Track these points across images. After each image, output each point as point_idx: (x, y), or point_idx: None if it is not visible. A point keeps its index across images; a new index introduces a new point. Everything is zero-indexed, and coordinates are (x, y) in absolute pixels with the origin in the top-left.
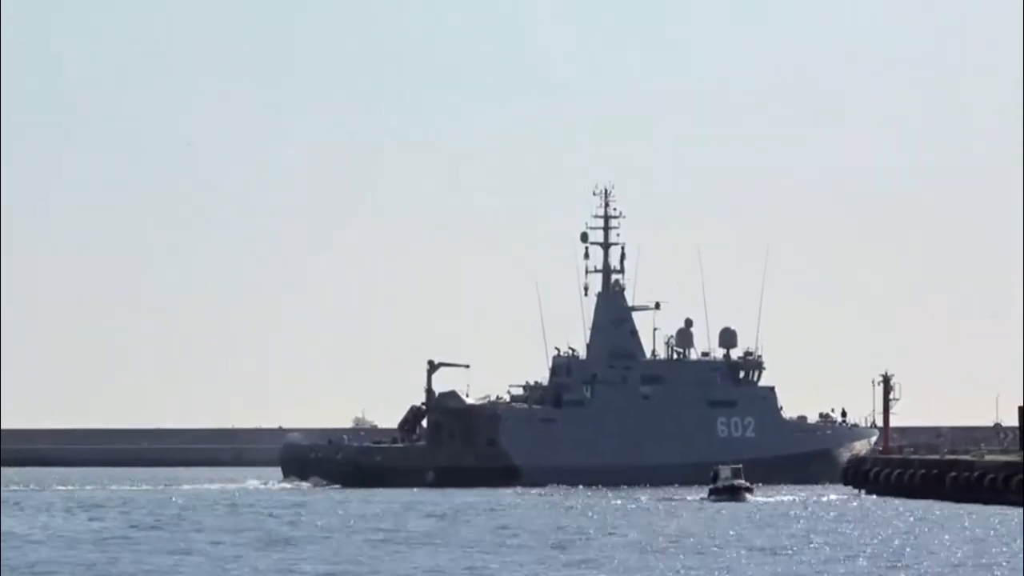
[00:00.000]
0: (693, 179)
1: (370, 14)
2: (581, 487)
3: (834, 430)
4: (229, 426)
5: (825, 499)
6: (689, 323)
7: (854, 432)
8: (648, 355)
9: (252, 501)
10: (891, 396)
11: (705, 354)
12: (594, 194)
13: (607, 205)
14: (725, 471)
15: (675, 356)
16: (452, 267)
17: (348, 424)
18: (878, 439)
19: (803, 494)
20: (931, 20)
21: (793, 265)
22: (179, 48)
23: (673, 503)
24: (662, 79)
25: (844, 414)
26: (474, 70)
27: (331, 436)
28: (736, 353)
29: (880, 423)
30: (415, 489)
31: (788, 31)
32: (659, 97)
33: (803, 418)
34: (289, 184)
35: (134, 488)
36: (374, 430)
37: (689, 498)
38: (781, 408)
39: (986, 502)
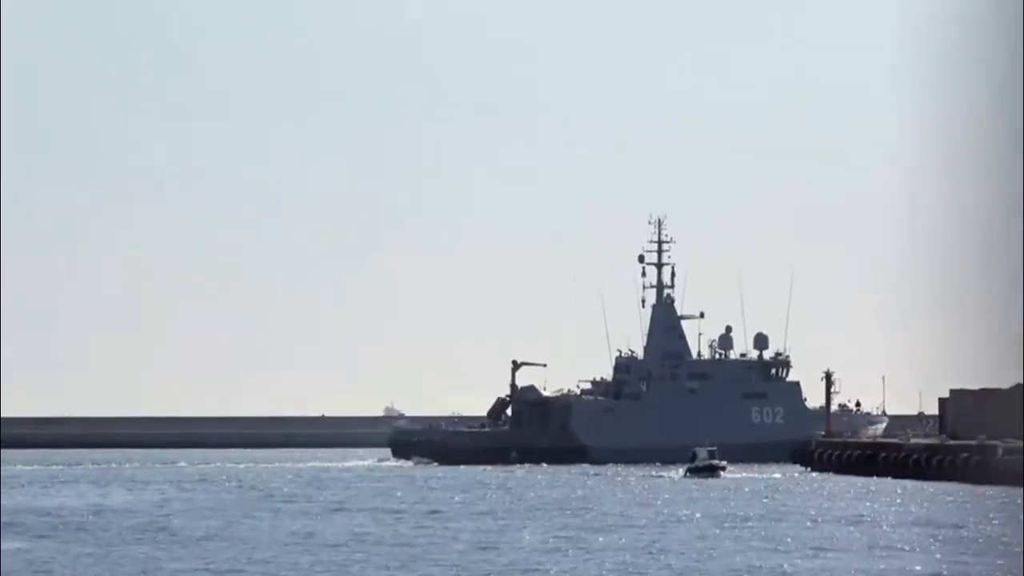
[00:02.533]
0: (732, 208)
1: (437, 38)
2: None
3: (850, 417)
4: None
5: (777, 476)
6: (729, 329)
7: (866, 419)
8: (694, 356)
9: (426, 476)
10: (832, 389)
11: (742, 355)
12: (649, 223)
13: (660, 232)
14: (702, 452)
15: (717, 356)
16: (532, 282)
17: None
18: (887, 425)
19: (766, 472)
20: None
21: (815, 280)
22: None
23: (660, 478)
24: (707, 119)
25: (858, 404)
26: (549, 108)
27: (431, 423)
28: (768, 354)
29: (888, 412)
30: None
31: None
32: (703, 135)
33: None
34: (395, 201)
35: (263, 466)
36: (464, 418)
37: (671, 475)
38: (805, 399)
39: (911, 478)
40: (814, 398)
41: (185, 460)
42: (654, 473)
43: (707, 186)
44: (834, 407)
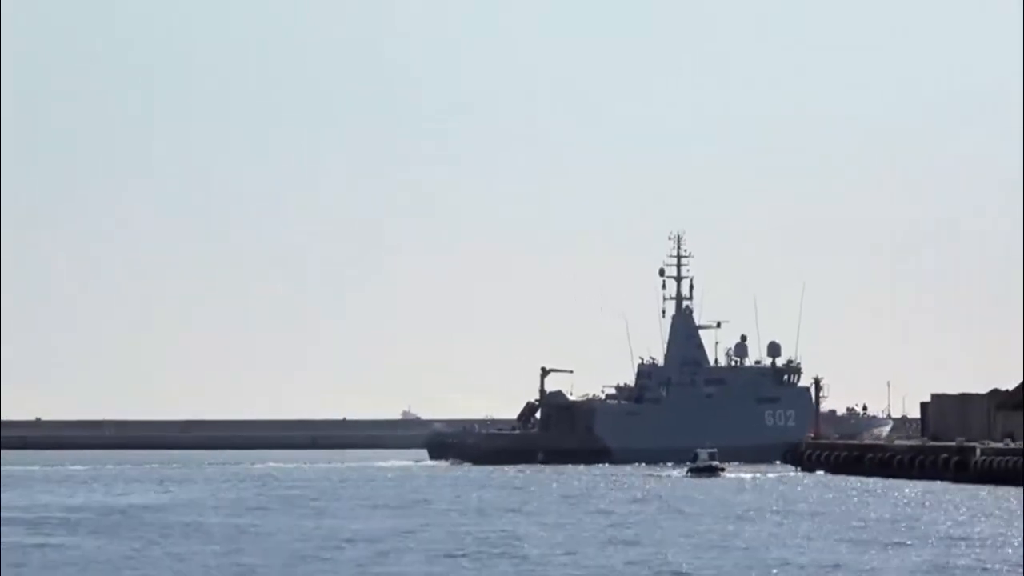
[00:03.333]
0: (746, 225)
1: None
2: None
3: (857, 420)
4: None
5: (772, 475)
6: (744, 338)
7: (873, 422)
8: (711, 363)
9: (466, 475)
10: (821, 394)
11: (756, 362)
12: (669, 239)
13: (679, 247)
14: (703, 454)
15: (732, 363)
16: (559, 294)
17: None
18: (891, 428)
19: (759, 473)
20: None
21: (825, 293)
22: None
23: (662, 477)
24: (720, 137)
25: (865, 408)
26: (577, 127)
27: (464, 426)
28: (780, 361)
29: (894, 415)
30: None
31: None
32: (718, 154)
33: (833, 411)
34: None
35: (306, 466)
36: (496, 421)
37: (673, 474)
38: (816, 403)
39: (895, 477)
40: (825, 402)
41: (229, 461)
42: (655, 473)
43: (723, 203)
44: (842, 411)
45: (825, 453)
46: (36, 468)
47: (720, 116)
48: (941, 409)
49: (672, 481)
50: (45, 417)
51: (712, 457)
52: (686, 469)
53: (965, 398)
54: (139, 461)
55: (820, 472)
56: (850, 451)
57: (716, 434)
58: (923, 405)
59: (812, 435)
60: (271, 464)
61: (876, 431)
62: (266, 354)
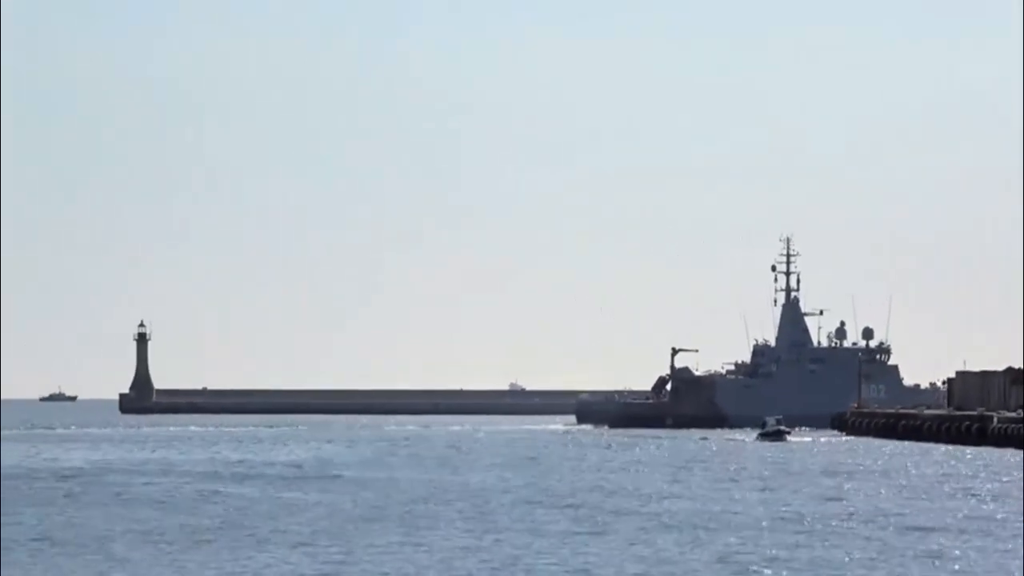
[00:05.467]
0: (844, 227)
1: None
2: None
3: (937, 393)
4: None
5: (822, 439)
6: (842, 324)
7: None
8: (815, 344)
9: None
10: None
11: (853, 343)
12: (780, 240)
13: (788, 247)
14: (771, 421)
15: (832, 345)
16: (688, 287)
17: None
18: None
19: (823, 436)
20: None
21: (913, 285)
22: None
23: (738, 441)
24: (829, 144)
25: (944, 382)
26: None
27: (606, 396)
28: (873, 343)
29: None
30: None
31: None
32: (823, 166)
33: (917, 385)
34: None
35: (453, 429)
36: (630, 391)
37: (746, 439)
38: (903, 379)
39: (923, 440)
40: (910, 377)
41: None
42: (728, 437)
43: (827, 208)
44: (926, 385)
45: (865, 420)
46: (212, 429)
47: (828, 130)
48: (964, 384)
49: (754, 445)
50: (210, 386)
51: (779, 423)
52: (756, 434)
53: (985, 375)
54: (293, 423)
55: (863, 437)
56: (887, 419)
57: (817, 404)
58: (949, 380)
59: (855, 405)
60: (460, 427)
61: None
62: (402, 332)
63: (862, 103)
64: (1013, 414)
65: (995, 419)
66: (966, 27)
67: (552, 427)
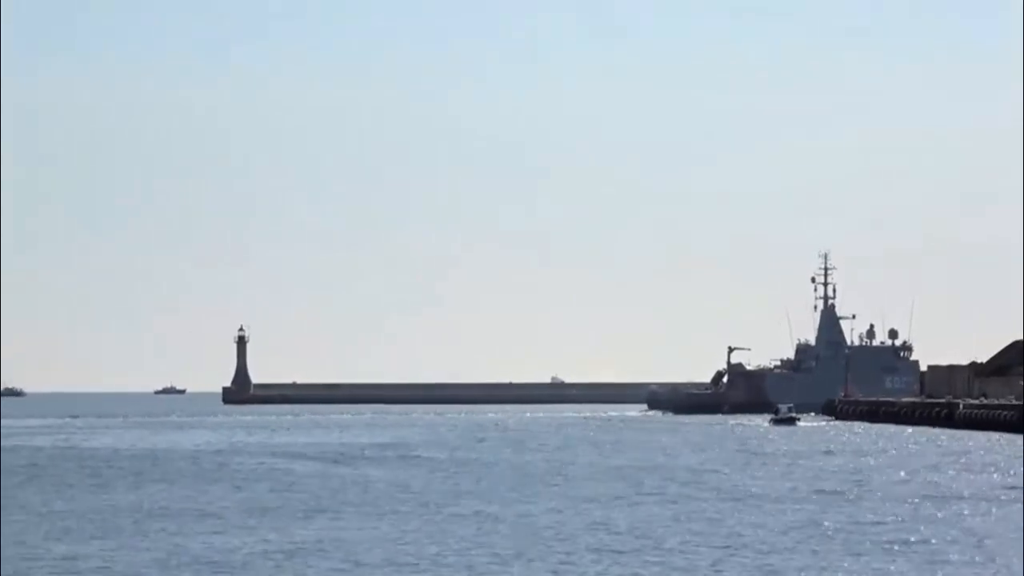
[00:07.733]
0: (874, 244)
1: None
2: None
3: None
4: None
5: (820, 423)
6: (872, 326)
7: None
8: (848, 343)
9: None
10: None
11: (881, 343)
12: (819, 256)
13: (826, 261)
14: (783, 408)
15: (863, 344)
16: (740, 295)
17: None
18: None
19: (824, 422)
20: None
21: (934, 293)
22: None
23: (749, 425)
24: (859, 163)
25: None
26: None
27: (673, 387)
28: (897, 342)
29: None
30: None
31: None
32: (857, 186)
33: None
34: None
35: (528, 415)
36: (693, 383)
37: (762, 423)
38: (923, 372)
39: (899, 424)
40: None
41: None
42: (745, 422)
43: (860, 225)
44: None
45: (850, 407)
46: (306, 417)
47: (858, 155)
48: (934, 376)
49: (771, 429)
50: (299, 380)
51: (790, 410)
52: (769, 419)
53: (952, 368)
54: (381, 412)
55: (848, 422)
56: (868, 406)
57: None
58: (922, 373)
59: (843, 394)
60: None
61: None
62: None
63: (893, 130)
64: (976, 401)
65: (961, 405)
66: (977, 49)
67: (629, 413)
